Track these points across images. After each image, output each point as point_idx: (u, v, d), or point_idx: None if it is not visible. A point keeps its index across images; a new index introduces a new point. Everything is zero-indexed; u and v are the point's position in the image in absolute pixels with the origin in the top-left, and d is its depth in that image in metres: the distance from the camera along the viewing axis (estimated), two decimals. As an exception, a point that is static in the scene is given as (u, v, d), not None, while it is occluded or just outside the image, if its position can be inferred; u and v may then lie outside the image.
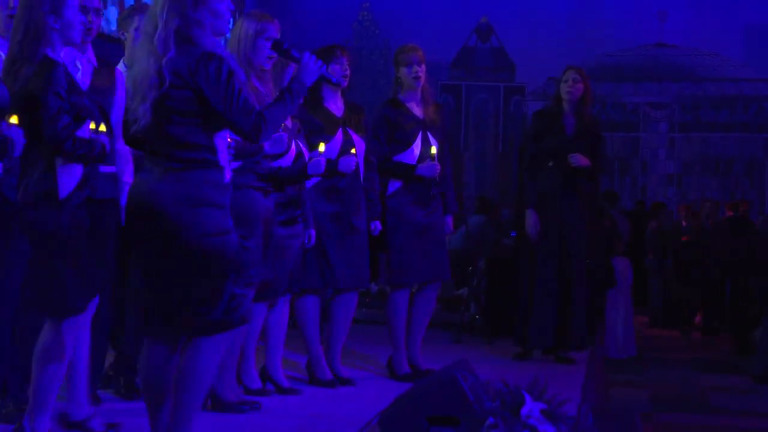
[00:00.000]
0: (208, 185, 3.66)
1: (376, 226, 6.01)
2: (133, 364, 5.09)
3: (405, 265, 6.05)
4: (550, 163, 6.72)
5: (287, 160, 5.22)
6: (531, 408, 4.06)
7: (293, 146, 5.27)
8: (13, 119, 3.74)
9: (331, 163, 5.63)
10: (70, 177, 3.93)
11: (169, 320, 3.74)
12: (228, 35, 3.82)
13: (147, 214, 3.65)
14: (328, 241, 5.71)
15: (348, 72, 5.70)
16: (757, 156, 18.53)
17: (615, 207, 13.44)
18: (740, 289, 12.06)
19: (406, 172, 6.03)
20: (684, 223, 14.03)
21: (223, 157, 3.75)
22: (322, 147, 5.30)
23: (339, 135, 5.73)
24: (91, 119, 4.00)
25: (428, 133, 6.08)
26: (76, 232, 3.96)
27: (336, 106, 5.83)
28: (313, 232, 5.54)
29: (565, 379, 5.94)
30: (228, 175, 3.75)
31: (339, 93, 5.81)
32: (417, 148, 6.05)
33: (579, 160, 6.62)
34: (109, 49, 5.16)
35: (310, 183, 5.65)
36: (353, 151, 5.73)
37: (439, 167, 6.01)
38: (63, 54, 4.02)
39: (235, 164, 4.50)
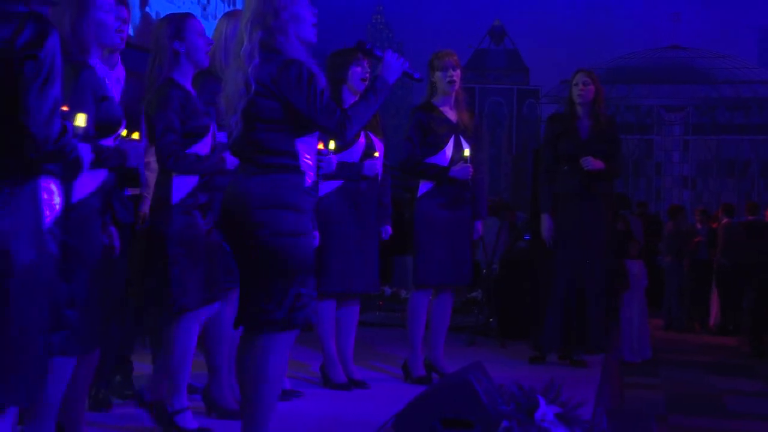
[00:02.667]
0: (286, 188, 3.79)
1: (386, 230, 6.02)
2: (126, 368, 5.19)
3: (431, 266, 6.06)
4: (566, 167, 6.71)
5: None
6: (545, 411, 4.05)
7: None
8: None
9: (356, 167, 5.65)
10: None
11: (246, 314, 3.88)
12: (314, 41, 3.94)
13: (231, 214, 3.83)
14: (346, 244, 5.71)
15: (368, 75, 5.70)
16: (773, 158, 18.46)
17: (629, 209, 13.42)
18: (757, 292, 12.01)
19: (439, 173, 6.05)
20: (699, 226, 14.00)
21: (305, 162, 3.84)
22: (332, 144, 5.31)
23: (362, 138, 5.74)
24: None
25: (460, 137, 6.10)
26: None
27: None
28: (317, 234, 5.54)
29: (579, 382, 5.91)
30: (308, 180, 3.86)
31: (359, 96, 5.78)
32: (449, 151, 6.06)
33: (591, 163, 6.60)
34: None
35: (331, 186, 5.65)
36: (376, 154, 5.75)
37: (471, 169, 6.03)
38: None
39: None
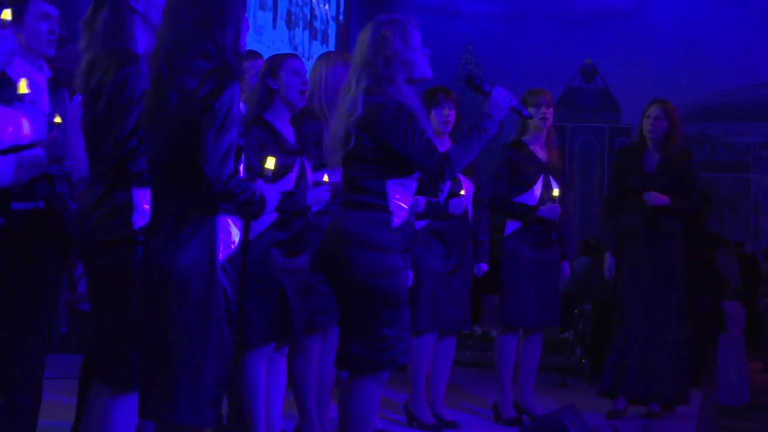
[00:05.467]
0: (372, 226, 3.78)
1: (481, 267, 5.96)
2: None
3: (518, 307, 5.98)
4: (631, 203, 6.40)
5: None
6: (641, 455, 3.95)
7: None
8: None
9: (441, 206, 5.63)
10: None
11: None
12: (430, 76, 3.95)
13: (325, 252, 3.87)
14: (434, 282, 5.67)
15: (450, 117, 5.66)
16: None
17: (722, 248, 13.12)
18: None
19: (526, 213, 5.97)
20: (798, 266, 13.65)
21: (394, 203, 3.80)
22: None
23: (447, 177, 5.71)
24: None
25: (549, 177, 6.02)
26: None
27: (442, 148, 5.78)
28: (411, 273, 5.50)
29: (675, 426, 5.77)
30: (396, 220, 3.82)
31: (446, 136, 5.75)
32: (538, 190, 5.99)
33: (654, 198, 6.26)
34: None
35: (418, 226, 5.63)
36: (462, 192, 5.70)
37: (560, 210, 5.94)
38: None
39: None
